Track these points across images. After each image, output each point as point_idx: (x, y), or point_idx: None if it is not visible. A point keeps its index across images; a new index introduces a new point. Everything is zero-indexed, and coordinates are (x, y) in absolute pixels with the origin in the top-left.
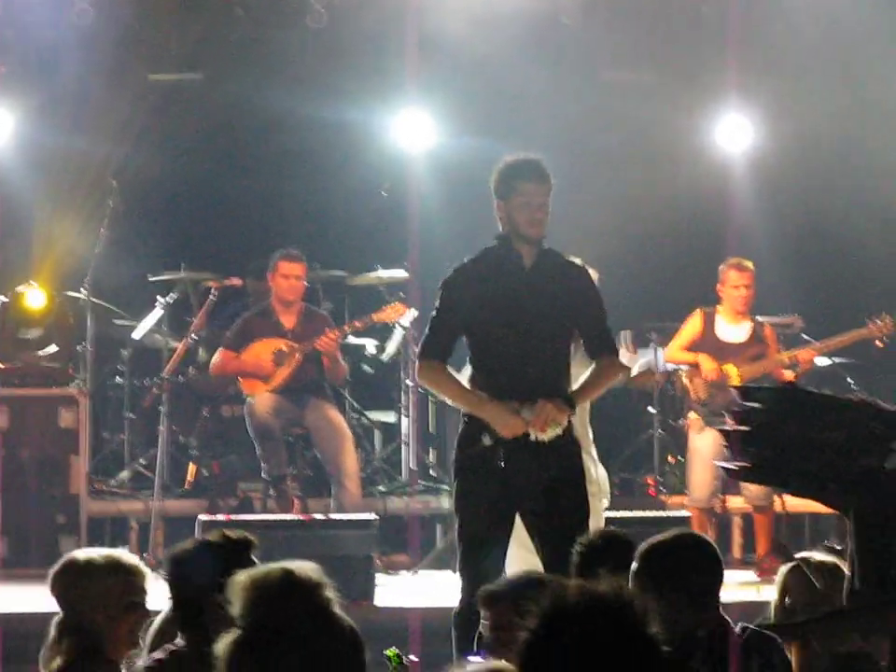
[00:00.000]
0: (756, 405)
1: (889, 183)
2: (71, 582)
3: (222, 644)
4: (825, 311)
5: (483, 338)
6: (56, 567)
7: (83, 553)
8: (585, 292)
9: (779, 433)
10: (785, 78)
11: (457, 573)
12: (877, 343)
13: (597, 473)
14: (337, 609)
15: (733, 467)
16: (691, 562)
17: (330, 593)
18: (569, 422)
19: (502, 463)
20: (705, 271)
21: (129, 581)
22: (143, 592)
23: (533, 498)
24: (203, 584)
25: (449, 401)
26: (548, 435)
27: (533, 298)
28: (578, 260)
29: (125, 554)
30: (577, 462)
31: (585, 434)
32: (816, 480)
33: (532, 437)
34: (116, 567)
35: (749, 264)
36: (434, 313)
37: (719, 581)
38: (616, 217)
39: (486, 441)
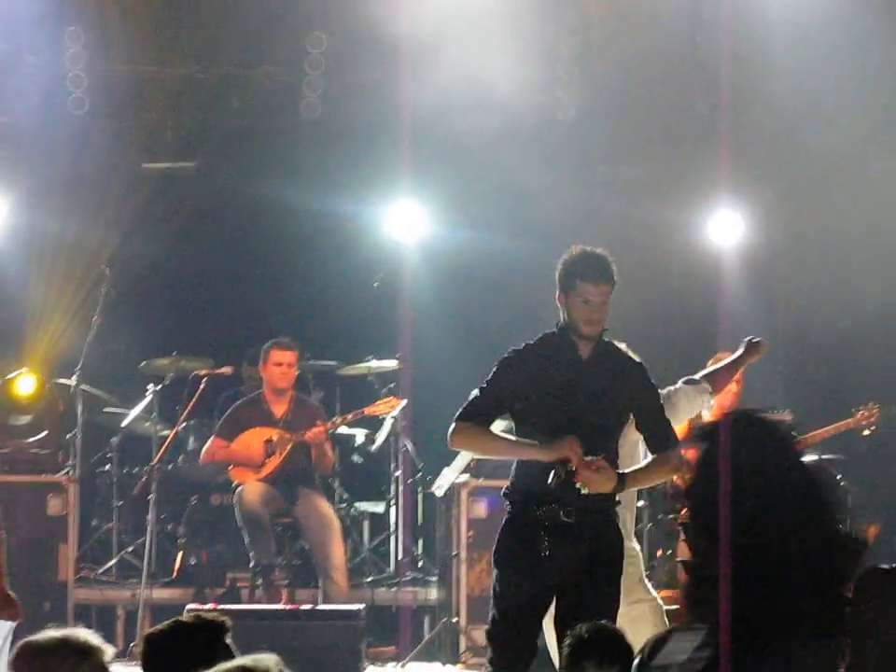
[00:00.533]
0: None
1: (876, 281)
2: (26, 665)
3: None
4: (814, 405)
5: (531, 423)
6: (13, 651)
7: (39, 637)
8: (643, 389)
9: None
10: (776, 175)
11: (487, 643)
12: (864, 432)
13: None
14: None
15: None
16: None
17: None
18: (613, 506)
19: (547, 553)
20: (696, 364)
21: (83, 661)
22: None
23: (571, 582)
24: (175, 666)
25: (493, 455)
26: (587, 488)
27: (587, 389)
28: (635, 357)
29: (82, 634)
30: (617, 552)
31: (630, 519)
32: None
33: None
34: (68, 647)
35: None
36: (484, 384)
37: None
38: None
39: (550, 479)
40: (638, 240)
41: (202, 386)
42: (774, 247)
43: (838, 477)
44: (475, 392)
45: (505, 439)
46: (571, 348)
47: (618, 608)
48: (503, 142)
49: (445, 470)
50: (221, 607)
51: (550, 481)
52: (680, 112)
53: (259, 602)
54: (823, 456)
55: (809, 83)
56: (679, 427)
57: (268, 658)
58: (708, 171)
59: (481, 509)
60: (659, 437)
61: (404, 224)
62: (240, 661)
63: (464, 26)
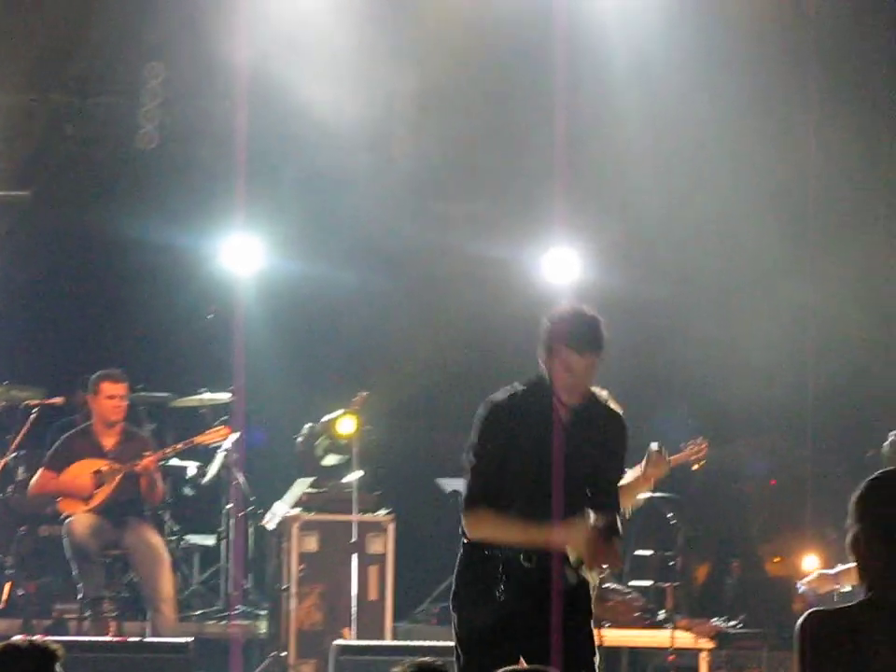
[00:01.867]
0: None
1: (717, 316)
2: None
3: None
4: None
5: (514, 483)
6: None
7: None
8: (616, 448)
9: None
10: (612, 210)
11: None
12: (693, 466)
13: None
14: None
15: None
16: None
17: None
18: None
19: (503, 595)
20: None
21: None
22: None
23: (538, 631)
24: None
25: (512, 542)
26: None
27: (570, 453)
28: (618, 409)
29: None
30: (584, 591)
31: None
32: None
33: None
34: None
35: None
36: (474, 458)
37: None
38: (441, 344)
39: (571, 578)
40: (472, 275)
41: (32, 416)
42: (609, 284)
43: (669, 515)
44: (470, 468)
45: (519, 527)
46: (553, 409)
47: (595, 653)
48: (341, 175)
49: (276, 504)
50: (49, 638)
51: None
52: (517, 147)
53: (86, 634)
54: (656, 494)
55: (650, 121)
56: None
57: None
58: (544, 207)
59: (312, 542)
60: (609, 496)
61: (239, 256)
62: None
63: (302, 60)
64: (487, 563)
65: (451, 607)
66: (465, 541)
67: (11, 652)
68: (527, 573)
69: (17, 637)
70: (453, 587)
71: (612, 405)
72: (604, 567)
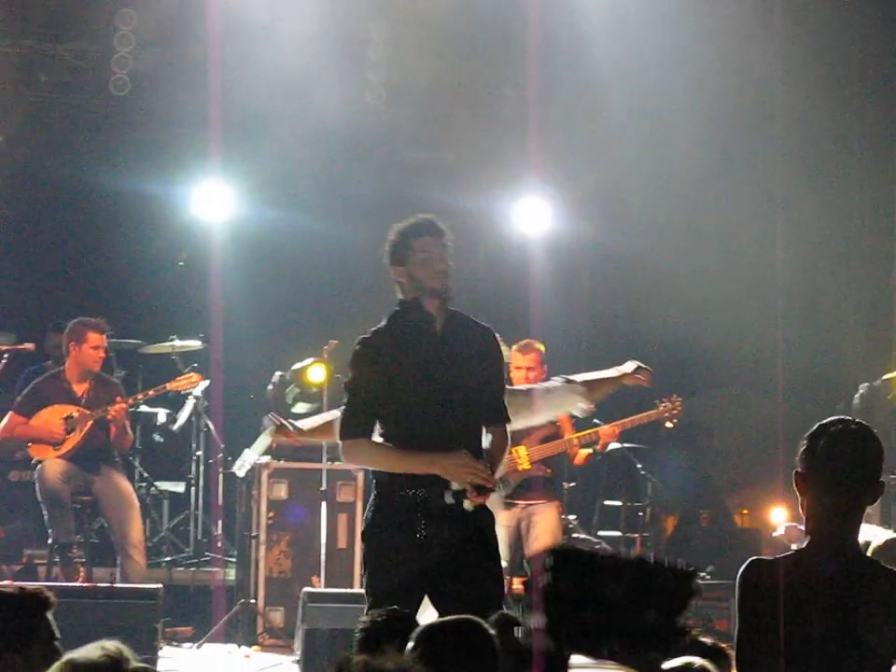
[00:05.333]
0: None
1: (687, 267)
2: None
3: None
4: (617, 394)
5: (398, 408)
6: None
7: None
8: (491, 358)
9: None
10: (584, 161)
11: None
12: (667, 423)
13: None
14: None
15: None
16: (467, 647)
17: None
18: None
19: (423, 535)
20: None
21: None
22: None
23: (451, 567)
24: None
25: (387, 469)
26: (476, 502)
27: (447, 364)
28: (483, 322)
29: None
30: (492, 532)
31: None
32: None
33: (463, 504)
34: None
35: (538, 346)
36: (349, 390)
37: (493, 666)
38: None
39: (448, 498)
40: (446, 224)
41: (3, 362)
42: (581, 234)
43: (638, 466)
44: (345, 400)
45: (398, 453)
46: (425, 321)
47: (503, 589)
48: (312, 123)
49: (246, 451)
50: (17, 584)
51: (447, 499)
52: (489, 97)
53: (56, 580)
54: (626, 445)
55: (621, 68)
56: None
57: (111, 645)
58: (517, 157)
59: (281, 490)
60: (497, 409)
61: (211, 204)
62: (72, 654)
63: (276, 5)
64: (403, 499)
65: (363, 546)
66: (375, 480)
67: (5, 598)
68: (448, 510)
69: (3, 583)
70: (365, 525)
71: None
72: (478, 488)
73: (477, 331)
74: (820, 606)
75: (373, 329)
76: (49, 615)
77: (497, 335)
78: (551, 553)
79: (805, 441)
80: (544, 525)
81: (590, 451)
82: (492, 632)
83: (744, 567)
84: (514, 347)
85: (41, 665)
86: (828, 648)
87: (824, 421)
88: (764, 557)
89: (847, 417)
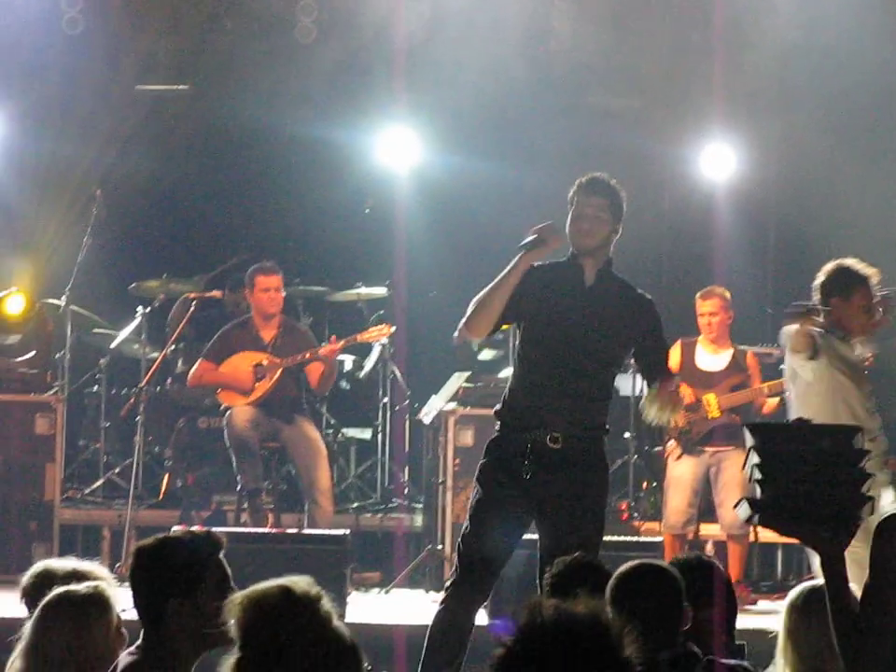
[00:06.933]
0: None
1: (868, 214)
2: (42, 593)
3: (224, 667)
4: None
5: (532, 341)
6: (28, 575)
7: (57, 564)
8: (646, 320)
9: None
10: (769, 108)
11: (456, 559)
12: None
13: None
14: (337, 623)
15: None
16: (646, 590)
17: (329, 605)
18: (601, 434)
19: (528, 475)
20: (688, 299)
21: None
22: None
23: (552, 508)
24: (164, 584)
25: (495, 298)
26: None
27: (588, 316)
28: (646, 294)
29: (94, 567)
30: (601, 478)
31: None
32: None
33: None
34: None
35: (720, 291)
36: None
37: (676, 608)
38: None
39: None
40: (630, 172)
41: (192, 309)
42: (766, 181)
43: None
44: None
45: (494, 280)
46: (576, 273)
47: (602, 534)
48: (497, 70)
49: (433, 398)
50: (207, 529)
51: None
52: (675, 44)
53: (244, 525)
54: None
55: (807, 15)
56: None
57: (304, 579)
58: (702, 103)
59: (467, 436)
60: (659, 366)
61: (396, 151)
62: (281, 581)
63: None
64: (515, 441)
65: (475, 479)
66: (497, 422)
67: (173, 543)
68: (553, 454)
69: (177, 528)
70: (481, 462)
71: (641, 291)
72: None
73: (630, 296)
74: None
75: (536, 264)
76: (221, 556)
77: (655, 305)
78: (750, 428)
79: None
80: (732, 472)
81: (779, 399)
82: (677, 575)
83: (882, 518)
84: (697, 295)
85: (212, 607)
86: None
87: None
88: None
89: None
